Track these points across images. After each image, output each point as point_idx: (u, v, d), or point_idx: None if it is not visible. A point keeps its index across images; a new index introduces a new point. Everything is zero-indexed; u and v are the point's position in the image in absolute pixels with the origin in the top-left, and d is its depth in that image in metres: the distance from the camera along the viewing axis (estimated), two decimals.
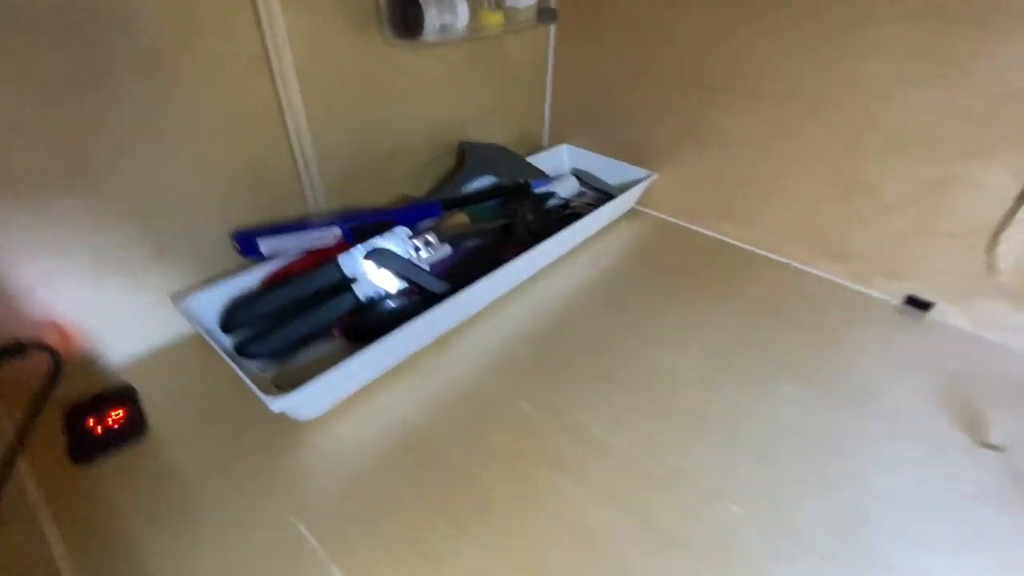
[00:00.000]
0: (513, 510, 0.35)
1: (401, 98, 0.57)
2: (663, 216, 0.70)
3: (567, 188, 0.68)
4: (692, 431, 0.41)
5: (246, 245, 0.47)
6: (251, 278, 0.47)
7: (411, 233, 0.48)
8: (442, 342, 0.48)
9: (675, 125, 0.65)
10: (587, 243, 0.63)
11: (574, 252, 0.62)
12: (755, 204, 0.62)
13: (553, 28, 0.70)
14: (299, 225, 0.49)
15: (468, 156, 0.61)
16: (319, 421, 0.41)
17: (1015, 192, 0.47)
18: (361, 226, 0.49)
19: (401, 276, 0.45)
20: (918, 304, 0.54)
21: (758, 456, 0.39)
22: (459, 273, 0.48)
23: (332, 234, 0.48)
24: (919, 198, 0.51)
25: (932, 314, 0.54)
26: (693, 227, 0.68)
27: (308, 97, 0.48)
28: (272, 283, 0.47)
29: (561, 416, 0.42)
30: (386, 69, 0.54)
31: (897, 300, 0.55)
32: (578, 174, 0.73)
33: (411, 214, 0.52)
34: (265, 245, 0.46)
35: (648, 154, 0.69)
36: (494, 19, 0.53)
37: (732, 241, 0.65)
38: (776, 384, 0.45)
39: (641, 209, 0.72)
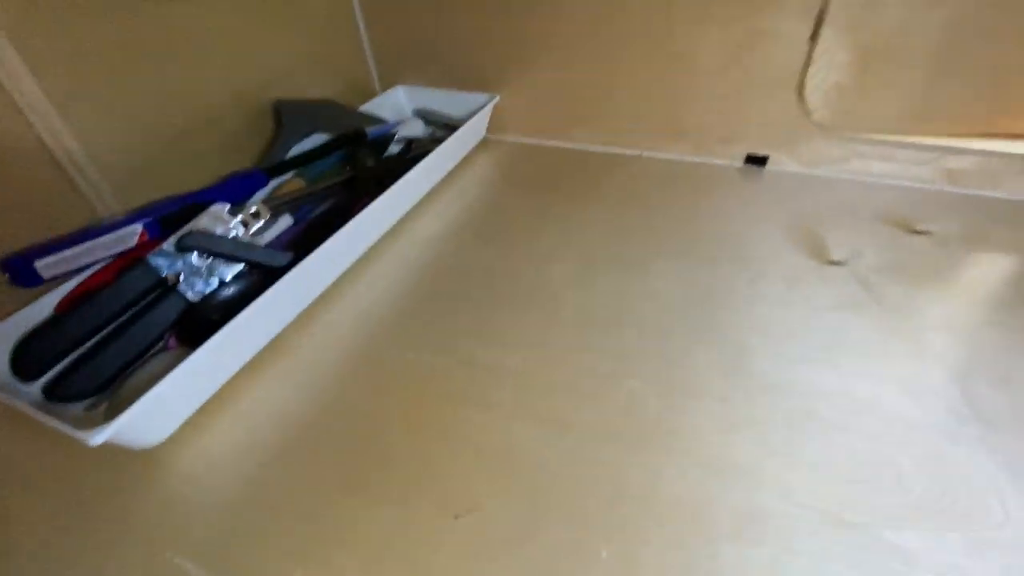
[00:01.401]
0: (420, 455, 0.32)
1: (183, 62, 0.48)
2: (517, 139, 0.69)
3: (412, 129, 0.63)
4: (582, 329, 0.40)
5: (21, 272, 0.37)
6: (41, 308, 0.38)
7: (231, 209, 0.41)
8: (308, 315, 0.43)
9: (504, 42, 0.62)
10: (447, 181, 0.60)
11: (435, 193, 0.58)
12: (596, 105, 0.62)
13: None
14: (87, 233, 0.40)
15: (285, 116, 0.54)
16: (175, 441, 0.35)
17: (807, 35, 0.50)
18: (169, 215, 0.41)
19: (232, 258, 0.39)
20: (756, 160, 0.58)
21: (647, 332, 0.40)
22: (310, 241, 0.43)
23: (133, 233, 0.40)
24: (732, 60, 0.53)
25: (769, 167, 0.58)
26: (547, 142, 0.67)
27: (46, 80, 0.39)
28: (69, 306, 0.38)
29: (453, 354, 0.39)
30: (152, 28, 0.45)
31: (738, 162, 0.59)
32: (422, 114, 0.69)
33: (229, 190, 0.45)
34: (45, 266, 0.37)
35: (487, 78, 0.66)
36: None
37: (585, 147, 0.65)
38: (651, 264, 0.46)
39: (496, 137, 0.69)
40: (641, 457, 0.32)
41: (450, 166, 0.62)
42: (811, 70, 0.52)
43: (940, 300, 0.41)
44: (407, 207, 0.55)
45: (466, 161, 0.64)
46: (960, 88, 0.50)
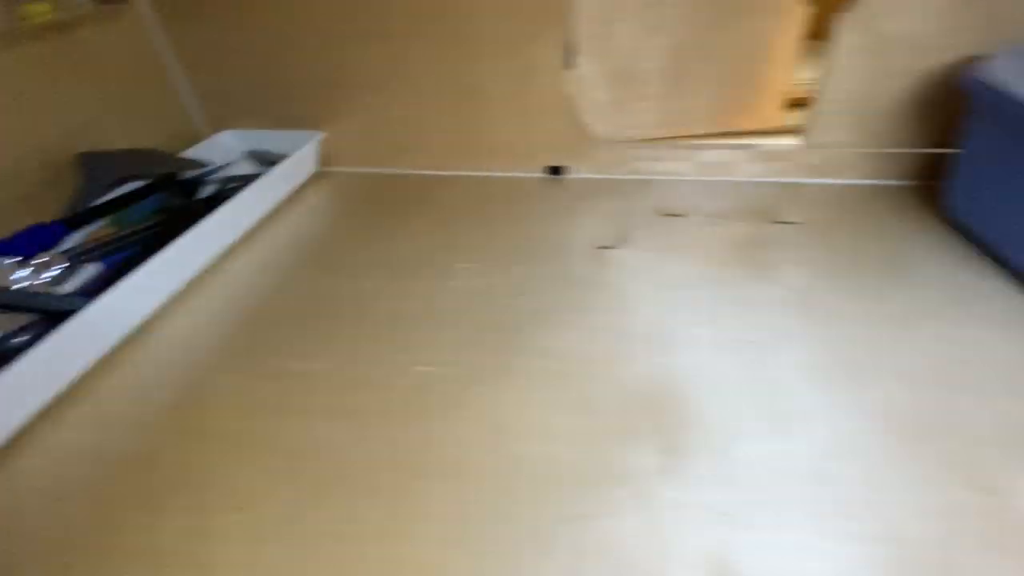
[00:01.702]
0: (232, 469, 0.35)
1: None
2: (351, 169, 0.73)
3: (238, 170, 0.66)
4: (387, 329, 0.45)
5: None
6: None
7: (22, 261, 0.41)
8: (119, 354, 0.44)
9: (328, 82, 0.67)
10: (279, 213, 0.63)
11: (266, 225, 0.61)
12: (416, 134, 0.69)
13: (150, 11, 0.65)
14: None
15: (88, 166, 0.55)
16: None
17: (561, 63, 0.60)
18: None
19: (16, 308, 0.39)
20: (556, 171, 0.67)
21: (445, 325, 0.45)
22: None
23: None
24: (517, 87, 0.62)
25: (567, 175, 0.67)
26: (377, 170, 0.72)
27: None
28: None
29: (268, 368, 0.42)
30: None
31: (541, 173, 0.68)
32: (257, 155, 0.71)
33: (22, 242, 0.45)
34: None
35: (316, 115, 0.70)
36: (38, 9, 0.47)
37: (410, 172, 0.71)
38: (456, 267, 0.52)
39: (331, 169, 0.73)
40: (422, 429, 0.36)
41: (277, 200, 0.65)
42: (576, 91, 0.62)
43: (680, 263, 0.50)
44: (226, 241, 0.57)
45: (299, 194, 0.68)
46: (692, 98, 0.62)
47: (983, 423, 0.34)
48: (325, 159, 0.72)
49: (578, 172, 0.67)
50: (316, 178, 0.72)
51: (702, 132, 0.64)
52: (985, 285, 0.45)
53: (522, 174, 0.68)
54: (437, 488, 0.33)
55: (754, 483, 0.31)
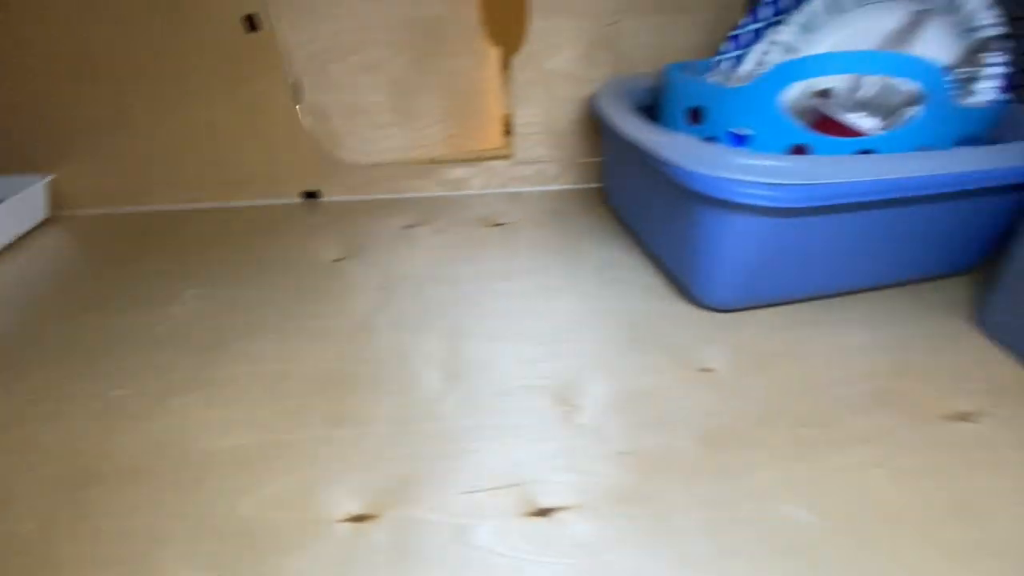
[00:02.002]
0: None
1: None
2: (94, 211, 0.71)
3: None
4: (91, 362, 0.45)
5: None
6: None
7: None
8: None
9: (54, 122, 0.65)
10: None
11: None
12: (163, 169, 0.69)
13: None
14: None
15: None
16: None
17: (294, 102, 0.66)
18: None
19: None
20: (310, 195, 0.72)
21: (156, 349, 0.47)
22: None
23: None
24: (254, 121, 0.66)
25: (323, 199, 0.73)
26: (125, 209, 0.71)
27: None
28: None
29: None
30: None
31: (297, 199, 0.72)
32: None
33: None
34: None
35: (43, 158, 0.67)
36: None
37: (161, 208, 0.71)
38: (186, 293, 0.54)
39: (69, 213, 0.70)
40: (106, 441, 0.38)
41: None
42: (313, 123, 0.68)
43: (404, 266, 0.58)
44: None
45: (25, 240, 0.64)
46: (424, 127, 0.72)
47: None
48: (59, 203, 0.69)
49: (332, 196, 0.73)
50: (48, 223, 0.68)
51: (440, 155, 0.74)
52: (627, 260, 0.59)
53: (276, 201, 0.72)
54: (115, 493, 0.34)
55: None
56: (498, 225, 0.66)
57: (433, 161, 0.73)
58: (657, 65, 0.65)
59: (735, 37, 0.59)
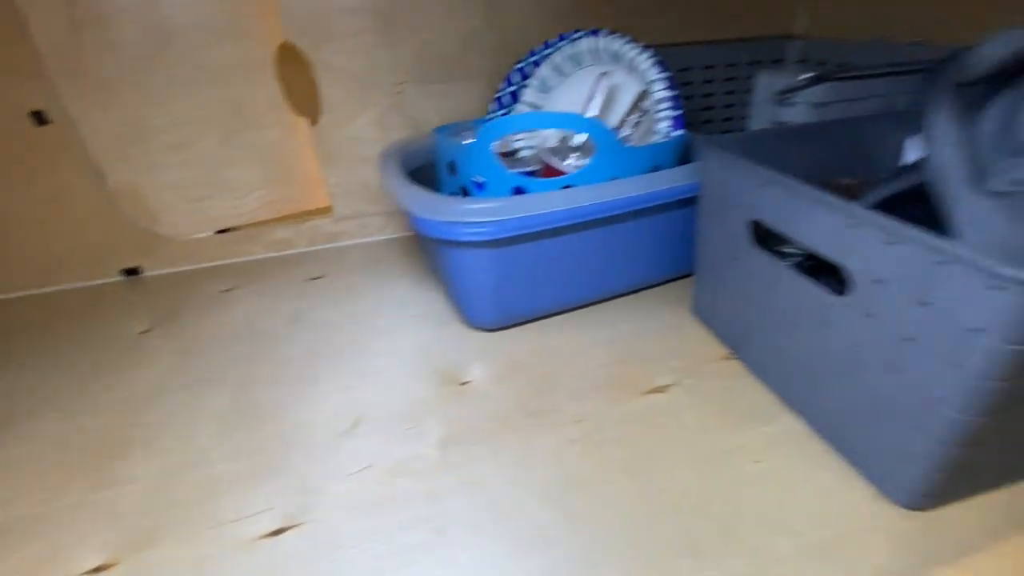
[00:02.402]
0: None
1: None
2: None
3: None
4: None
5: None
6: None
7: None
8: None
9: None
10: None
11: None
12: None
13: None
14: None
15: None
16: None
17: (99, 184, 0.69)
18: None
19: None
20: (131, 272, 0.74)
21: None
22: None
23: None
24: (55, 206, 0.68)
25: (145, 273, 0.74)
26: None
27: None
28: None
29: None
30: None
31: (118, 276, 0.73)
32: None
33: None
34: None
35: None
36: None
37: None
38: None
39: None
40: None
41: None
42: (124, 201, 0.70)
43: (212, 328, 0.61)
44: None
45: None
46: (245, 194, 0.76)
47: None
48: None
49: (154, 270, 0.74)
50: None
51: (262, 219, 0.78)
52: (428, 296, 0.66)
53: (97, 282, 0.72)
54: None
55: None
56: (318, 279, 0.71)
57: (255, 226, 0.77)
58: (447, 123, 0.74)
59: (499, 99, 0.70)
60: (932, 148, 0.27)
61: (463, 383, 0.50)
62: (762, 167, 0.41)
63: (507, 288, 0.53)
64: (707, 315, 0.55)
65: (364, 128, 0.74)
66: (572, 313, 0.59)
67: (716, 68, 0.83)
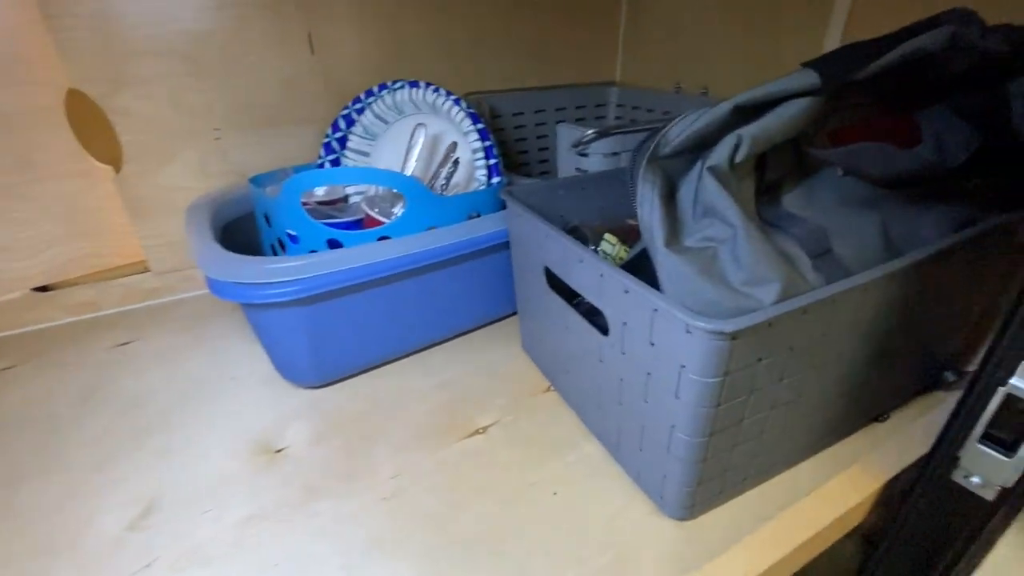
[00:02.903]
0: None
1: None
2: None
3: None
4: None
5: None
6: None
7: None
8: None
9: None
10: None
11: None
12: None
13: None
14: None
15: None
16: None
17: None
18: None
19: None
20: None
21: None
22: None
23: None
24: None
25: None
26: None
27: None
28: None
29: None
30: None
31: None
32: None
33: None
34: None
35: None
36: None
37: None
38: None
39: None
40: None
41: None
42: None
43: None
44: None
45: None
46: (30, 255, 0.67)
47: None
48: None
49: None
50: None
51: (65, 277, 0.69)
52: (252, 354, 0.62)
53: None
54: None
55: None
56: (126, 344, 0.63)
57: (49, 288, 0.68)
58: (273, 168, 0.72)
59: (327, 144, 0.69)
60: (640, 211, 0.32)
61: (277, 450, 0.47)
62: (543, 220, 0.44)
63: (325, 345, 0.51)
64: (531, 349, 0.58)
65: (178, 177, 0.68)
66: (401, 361, 0.59)
67: (547, 112, 0.90)
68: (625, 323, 0.36)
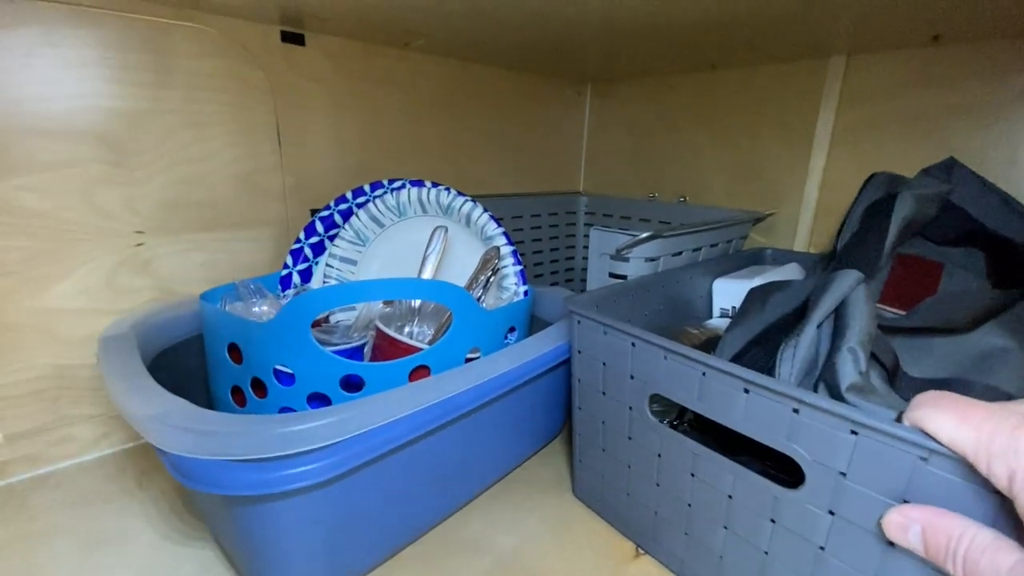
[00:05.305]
0: None
1: None
2: None
3: None
4: None
5: None
6: None
7: None
8: None
9: None
10: None
11: None
12: None
13: None
14: None
15: None
16: None
17: None
18: None
19: None
20: None
21: None
22: None
23: None
24: None
25: None
26: None
27: None
28: None
29: None
30: None
31: None
32: None
33: None
34: None
35: None
36: None
37: None
38: None
39: None
40: None
41: None
42: None
43: None
44: None
45: None
46: None
47: None
48: None
49: None
50: None
51: None
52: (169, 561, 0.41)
53: None
54: None
55: None
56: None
57: None
58: (217, 283, 0.55)
59: (297, 251, 0.55)
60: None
61: None
62: (653, 335, 0.35)
63: (341, 541, 0.34)
64: (596, 499, 0.45)
65: (71, 296, 0.48)
66: (426, 539, 0.42)
67: (523, 218, 0.85)
68: (844, 473, 0.27)
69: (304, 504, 0.31)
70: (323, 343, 0.39)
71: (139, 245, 0.51)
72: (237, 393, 0.40)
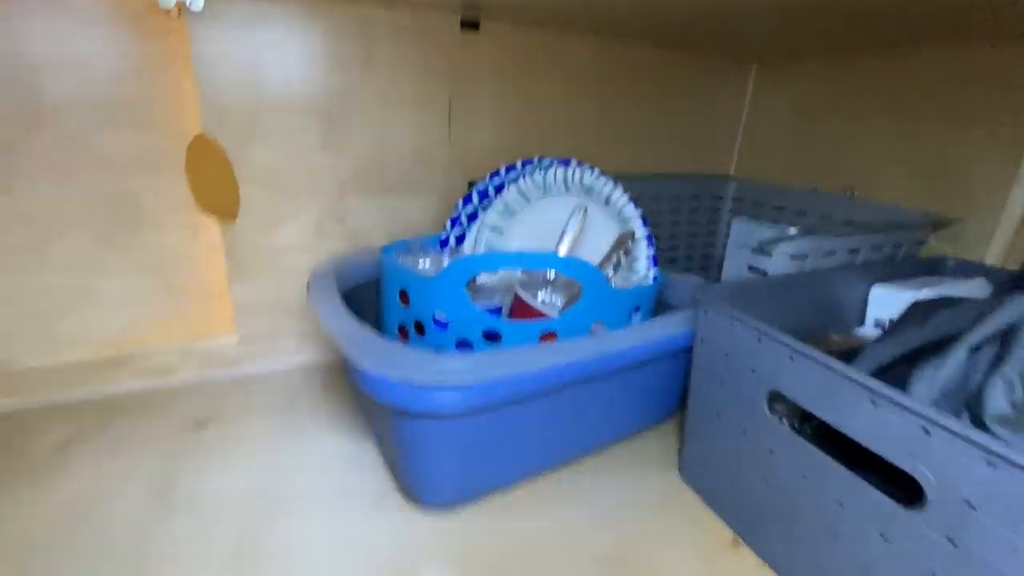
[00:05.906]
0: None
1: None
2: None
3: None
4: None
5: None
6: None
7: None
8: None
9: None
10: None
11: None
12: None
13: None
14: None
15: None
16: None
17: None
18: None
19: None
20: None
21: None
22: None
23: None
24: None
25: None
26: None
27: None
28: None
29: None
30: None
31: None
32: None
33: None
34: None
35: None
36: None
37: None
38: None
39: None
40: None
41: None
42: None
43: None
44: None
45: None
46: (114, 309, 0.60)
47: None
48: None
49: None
50: None
51: (141, 341, 0.61)
52: (360, 457, 0.52)
53: None
54: None
55: None
56: (206, 425, 0.54)
57: (125, 347, 0.60)
58: (392, 237, 0.65)
59: (455, 219, 0.63)
60: None
61: None
62: (783, 334, 0.36)
63: (473, 460, 0.41)
64: (702, 483, 0.47)
65: (290, 236, 0.62)
66: (539, 482, 0.48)
67: (662, 200, 0.84)
68: (972, 504, 0.26)
69: (448, 427, 0.38)
70: (472, 299, 0.46)
71: (338, 202, 0.63)
72: (401, 330, 0.50)
